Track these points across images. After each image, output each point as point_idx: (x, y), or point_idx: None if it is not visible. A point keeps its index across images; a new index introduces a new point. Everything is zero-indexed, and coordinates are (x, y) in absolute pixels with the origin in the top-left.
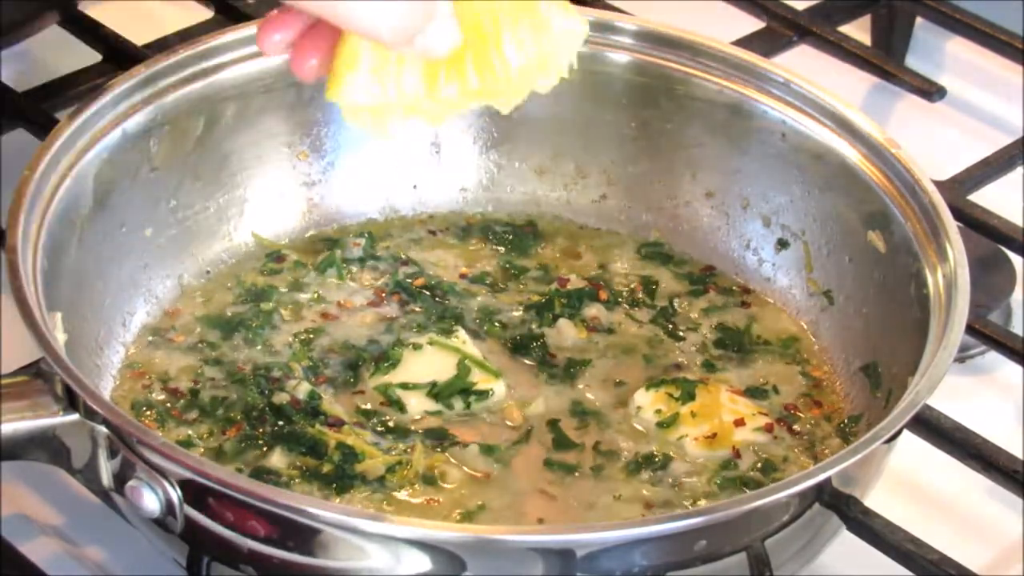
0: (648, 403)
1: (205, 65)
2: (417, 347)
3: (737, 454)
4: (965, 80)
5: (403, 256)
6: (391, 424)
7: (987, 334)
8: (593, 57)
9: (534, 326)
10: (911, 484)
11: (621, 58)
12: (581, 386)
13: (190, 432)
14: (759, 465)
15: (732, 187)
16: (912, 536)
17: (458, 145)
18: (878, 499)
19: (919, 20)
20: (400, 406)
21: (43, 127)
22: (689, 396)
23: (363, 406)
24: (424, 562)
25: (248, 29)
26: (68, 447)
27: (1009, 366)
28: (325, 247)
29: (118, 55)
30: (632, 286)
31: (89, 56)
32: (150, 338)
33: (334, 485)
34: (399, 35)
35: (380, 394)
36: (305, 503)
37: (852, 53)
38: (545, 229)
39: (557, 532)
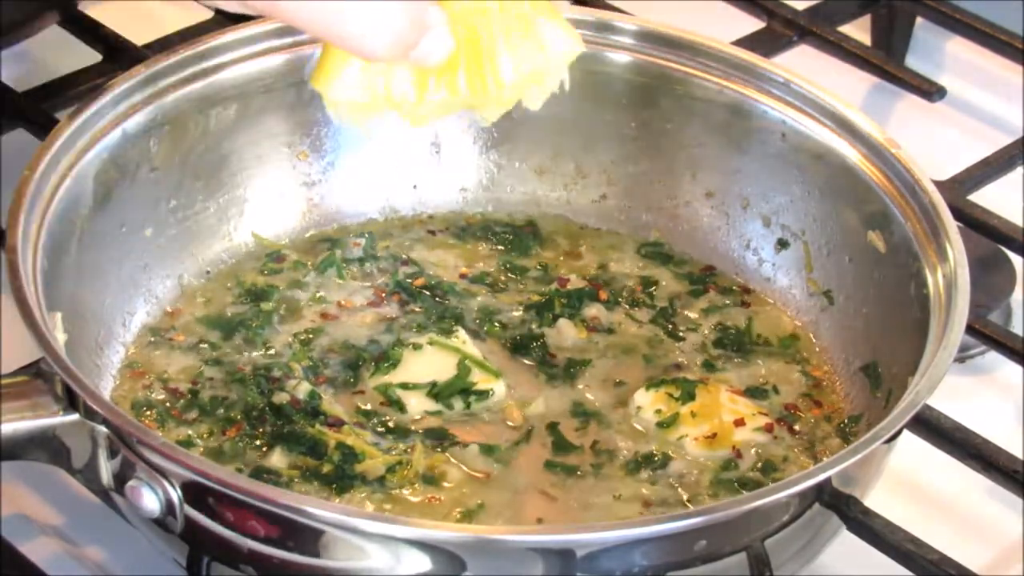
0: (648, 403)
1: (205, 65)
2: (417, 347)
3: (737, 454)
4: (965, 80)
5: (403, 256)
6: (391, 424)
7: (987, 334)
8: (593, 57)
9: (534, 326)
10: (911, 484)
11: (621, 58)
12: (581, 386)
13: (190, 432)
14: (759, 465)
15: (732, 187)
16: (912, 536)
17: (458, 145)
18: (878, 499)
19: (919, 20)
20: (400, 406)
21: (43, 127)
22: (689, 396)
23: (363, 406)
24: (424, 562)
25: (248, 29)
26: (68, 447)
27: (1009, 366)
28: (325, 247)
29: (118, 55)
30: (632, 286)
31: (89, 56)
32: (150, 338)
33: (334, 485)
34: (393, 52)
35: (380, 394)
36: (305, 503)
37: (852, 53)
38: (545, 229)
39: (557, 532)
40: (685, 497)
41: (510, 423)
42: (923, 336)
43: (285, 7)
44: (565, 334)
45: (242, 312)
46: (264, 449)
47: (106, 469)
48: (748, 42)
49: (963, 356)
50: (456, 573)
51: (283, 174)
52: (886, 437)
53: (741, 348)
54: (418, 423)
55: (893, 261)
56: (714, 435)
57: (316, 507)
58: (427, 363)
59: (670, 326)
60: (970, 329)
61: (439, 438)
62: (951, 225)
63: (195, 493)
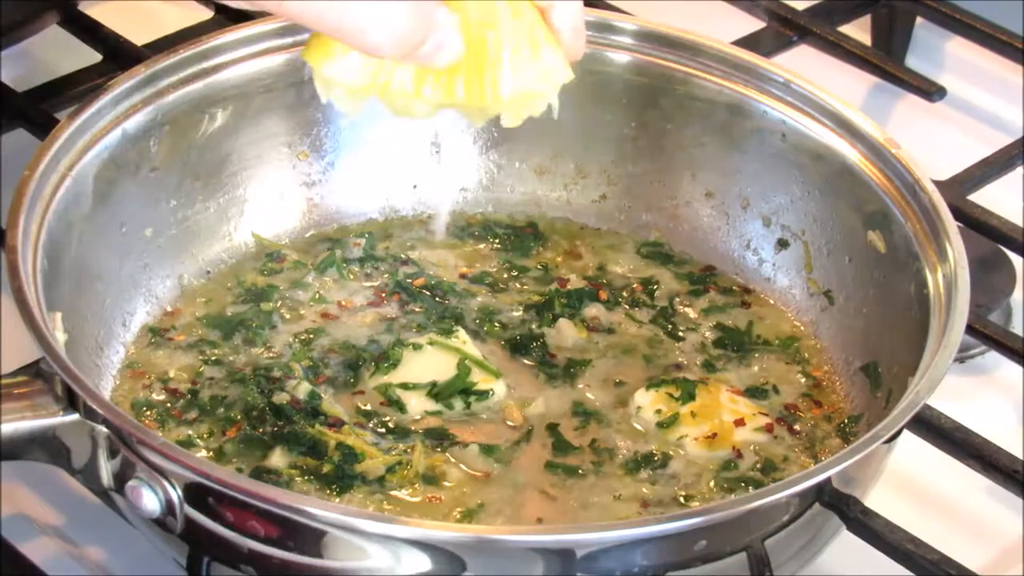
0: (648, 403)
1: (205, 65)
2: (417, 347)
3: (737, 454)
4: (965, 80)
5: (403, 256)
6: (391, 424)
7: (987, 334)
8: (593, 57)
9: (534, 326)
10: (911, 484)
11: (621, 58)
12: (581, 386)
13: (190, 432)
14: (759, 465)
15: (732, 187)
16: (912, 536)
17: (458, 145)
18: (878, 499)
19: (919, 20)
20: (400, 406)
21: (43, 127)
22: (689, 396)
23: (363, 406)
24: (424, 562)
25: (248, 29)
26: (68, 447)
27: (1009, 366)
28: (325, 247)
29: (118, 55)
30: (632, 286)
31: (89, 56)
32: (150, 338)
33: (334, 485)
34: (399, 50)
35: (380, 394)
36: (305, 503)
37: (852, 53)
38: (545, 229)
39: (557, 532)
40: (685, 497)
41: (510, 423)
42: (923, 336)
43: (289, 5)
44: (565, 334)
45: (242, 312)
46: (264, 449)
47: (106, 469)
48: (748, 42)
49: (963, 356)
50: (456, 573)
51: (283, 174)
52: (886, 437)
53: (741, 348)
54: (418, 423)
55: (893, 261)
56: (714, 435)
57: (316, 507)
58: (427, 363)
59: (670, 326)
60: (970, 329)
61: (439, 438)
62: (951, 225)
63: (195, 493)
